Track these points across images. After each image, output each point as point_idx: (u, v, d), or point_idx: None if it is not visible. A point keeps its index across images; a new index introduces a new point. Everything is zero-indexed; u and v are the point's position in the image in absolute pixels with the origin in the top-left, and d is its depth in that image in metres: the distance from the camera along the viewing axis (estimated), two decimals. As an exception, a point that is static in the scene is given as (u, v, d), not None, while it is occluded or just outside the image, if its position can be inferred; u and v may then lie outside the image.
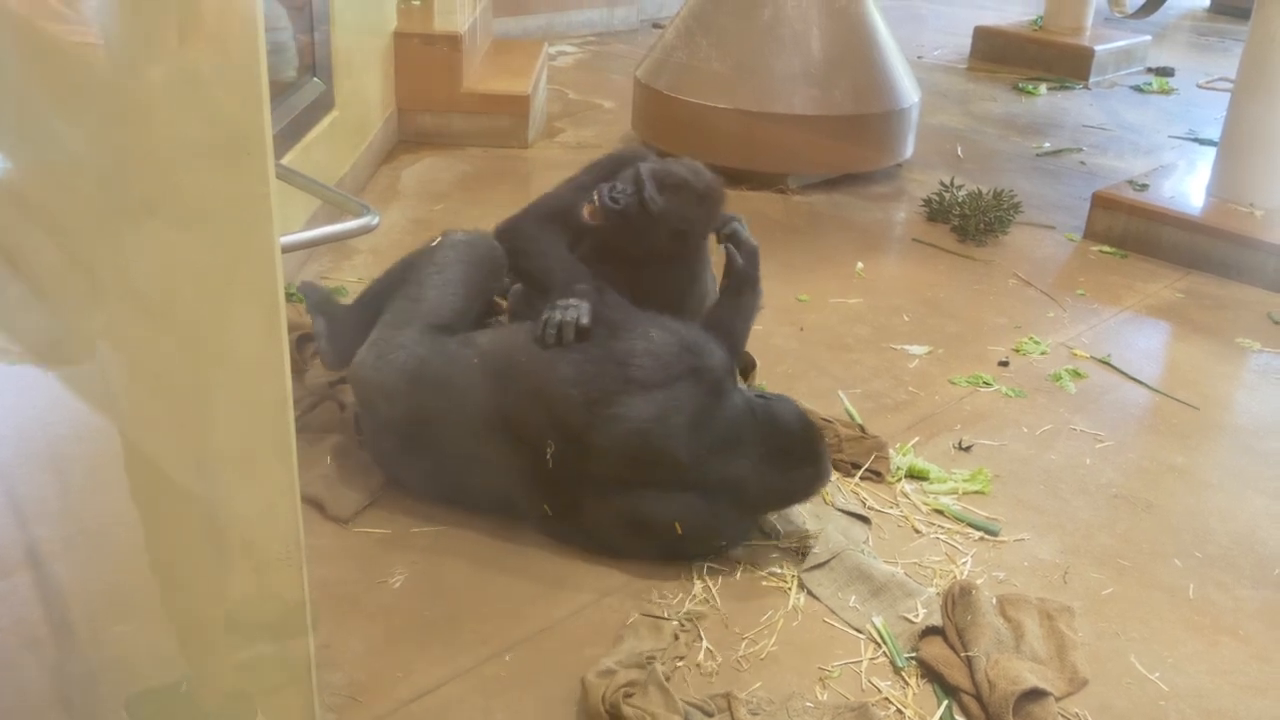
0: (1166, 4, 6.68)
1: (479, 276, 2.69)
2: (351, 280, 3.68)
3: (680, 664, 2.21)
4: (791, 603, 2.39)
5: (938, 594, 2.39)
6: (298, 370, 2.97)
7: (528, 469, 2.47)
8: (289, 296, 3.38)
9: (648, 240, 2.71)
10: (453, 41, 4.94)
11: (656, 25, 7.56)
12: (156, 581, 1.67)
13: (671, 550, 2.46)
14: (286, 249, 1.51)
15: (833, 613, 2.37)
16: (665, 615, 2.32)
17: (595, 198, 2.69)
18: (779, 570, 2.48)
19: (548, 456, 2.42)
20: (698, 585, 2.42)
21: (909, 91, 4.91)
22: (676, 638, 2.27)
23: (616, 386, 2.42)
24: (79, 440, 1.60)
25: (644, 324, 2.53)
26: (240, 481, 1.60)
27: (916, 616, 2.34)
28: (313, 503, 2.56)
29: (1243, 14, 7.75)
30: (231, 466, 1.59)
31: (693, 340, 2.53)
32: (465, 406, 2.50)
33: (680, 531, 2.43)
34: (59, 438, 1.60)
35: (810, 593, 2.42)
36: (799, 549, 2.53)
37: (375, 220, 1.76)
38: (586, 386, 2.42)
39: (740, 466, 2.45)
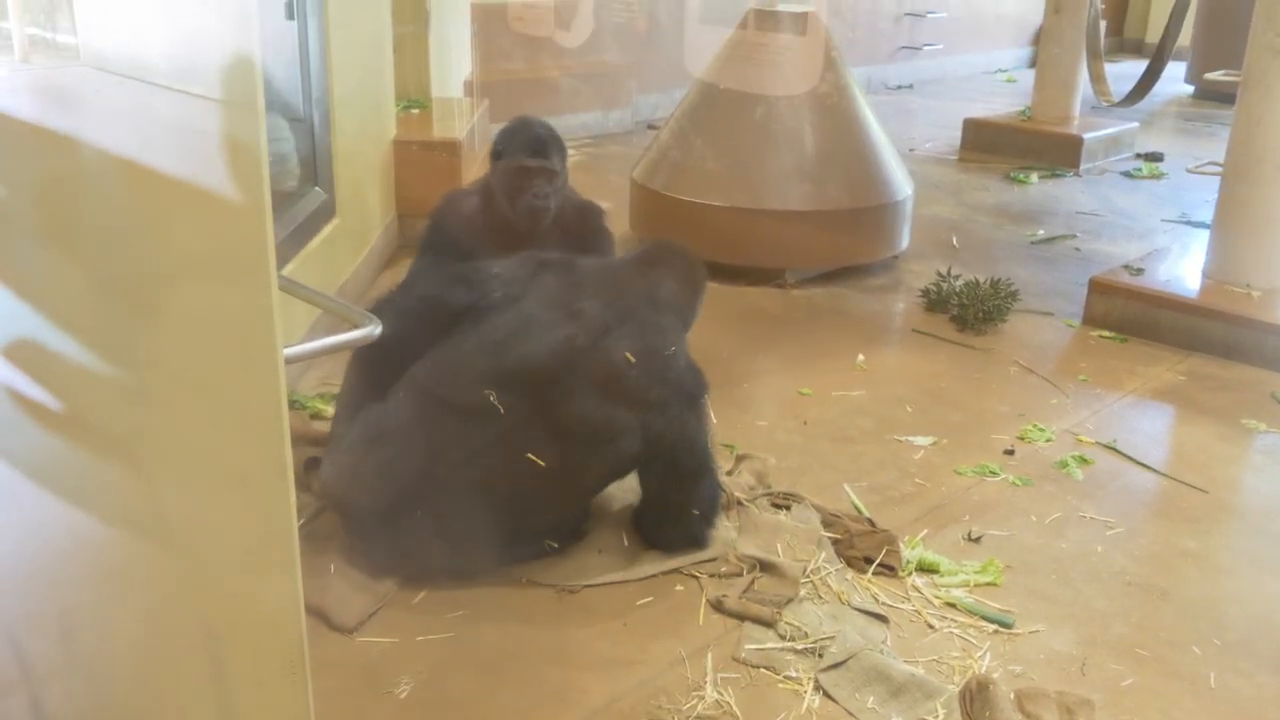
0: (1152, 91, 6.79)
1: None
2: (354, 386, 3.68)
3: (694, 771, 2.16)
4: (806, 705, 2.35)
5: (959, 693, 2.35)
6: (301, 484, 2.95)
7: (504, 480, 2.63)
8: (291, 404, 3.39)
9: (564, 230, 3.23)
10: (451, 148, 5.02)
11: (651, 126, 7.69)
12: (157, 696, 1.65)
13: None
14: (290, 360, 1.51)
15: (851, 715, 2.32)
16: (677, 720, 2.27)
17: (526, 207, 3.13)
18: (794, 673, 2.43)
19: (493, 400, 2.58)
20: (710, 689, 2.38)
21: (902, 184, 4.98)
22: (689, 743, 2.22)
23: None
24: (80, 554, 1.59)
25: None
26: (243, 592, 1.59)
27: (937, 718, 2.29)
28: (316, 612, 2.53)
29: (1227, 99, 7.88)
30: (234, 577, 1.58)
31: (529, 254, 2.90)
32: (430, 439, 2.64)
33: (632, 360, 2.63)
34: (60, 553, 1.59)
35: (827, 694, 2.37)
36: (816, 650, 2.49)
37: (377, 330, 1.77)
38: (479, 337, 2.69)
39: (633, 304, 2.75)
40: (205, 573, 1.57)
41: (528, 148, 3.15)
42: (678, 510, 2.79)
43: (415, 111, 5.54)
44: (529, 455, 2.59)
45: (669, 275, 2.92)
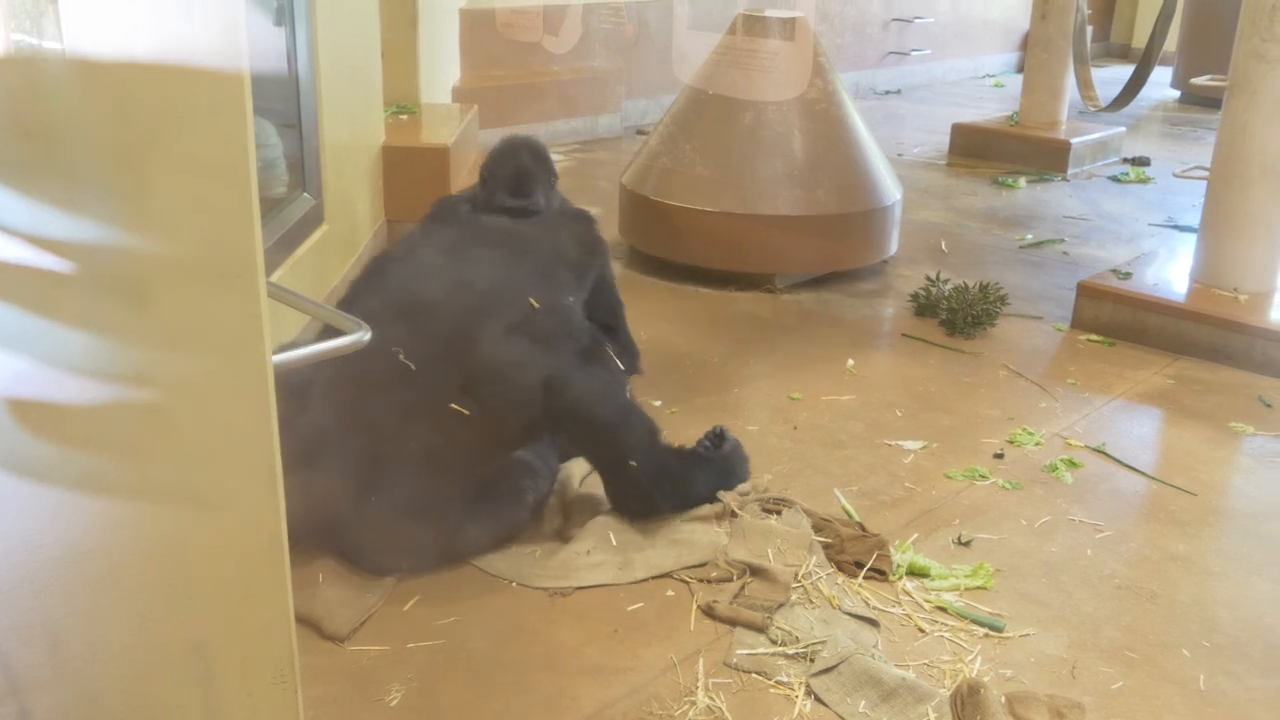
0: (1139, 96, 6.81)
1: None
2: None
3: (686, 777, 2.16)
4: (798, 709, 2.35)
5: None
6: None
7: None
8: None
9: None
10: (440, 154, 5.02)
11: (640, 132, 7.70)
12: (147, 706, 1.64)
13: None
14: (279, 368, 1.51)
15: (842, 719, 2.32)
16: (669, 726, 2.27)
17: None
18: (785, 678, 2.43)
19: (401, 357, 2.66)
20: (701, 694, 2.37)
21: (891, 189, 4.99)
22: (681, 749, 2.22)
23: None
24: (68, 563, 1.58)
25: None
26: (233, 601, 1.58)
27: None
28: (308, 621, 2.52)
29: (1213, 104, 7.92)
30: (224, 586, 1.57)
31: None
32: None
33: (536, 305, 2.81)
34: (48, 561, 1.58)
35: (819, 699, 2.37)
36: (807, 654, 2.49)
37: (367, 336, 1.77)
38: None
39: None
40: (195, 582, 1.56)
41: (508, 187, 3.18)
42: (617, 467, 2.83)
43: (404, 117, 5.54)
44: (453, 405, 2.67)
45: (569, 238, 3.09)
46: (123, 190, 1.40)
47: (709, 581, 2.73)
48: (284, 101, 4.02)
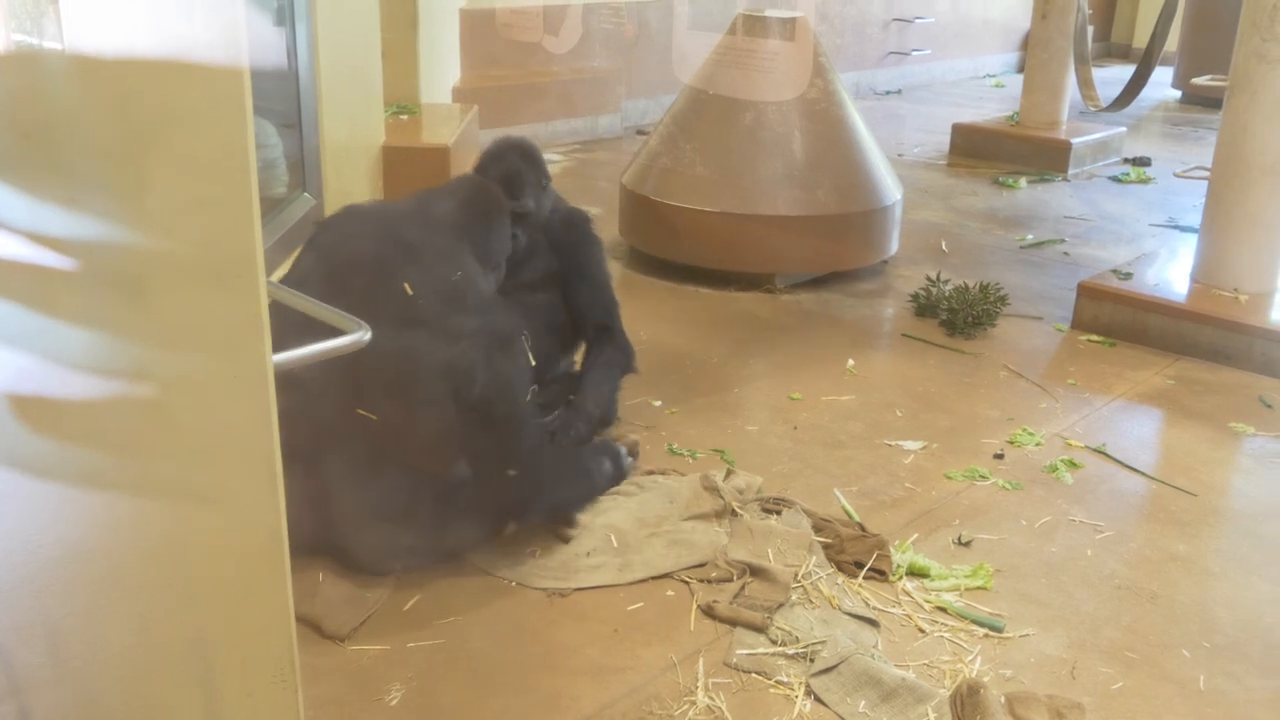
0: (1139, 96, 6.81)
1: None
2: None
3: (686, 777, 2.16)
4: (798, 709, 2.35)
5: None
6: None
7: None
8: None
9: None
10: (440, 154, 5.02)
11: (640, 132, 7.70)
12: (147, 706, 1.64)
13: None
14: (279, 368, 1.51)
15: (842, 719, 2.32)
16: (669, 726, 2.27)
17: None
18: (785, 678, 2.43)
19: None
20: (701, 694, 2.37)
21: (891, 189, 4.99)
22: (681, 749, 2.22)
23: None
24: (69, 563, 1.58)
25: None
26: (233, 601, 1.58)
27: None
28: (308, 621, 2.52)
29: (1214, 104, 7.92)
30: (224, 586, 1.57)
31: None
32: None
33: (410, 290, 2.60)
34: (49, 560, 1.58)
35: (819, 699, 2.37)
36: (807, 654, 2.49)
37: (367, 336, 1.77)
38: None
39: None
40: (195, 582, 1.56)
41: (500, 187, 3.20)
42: (492, 465, 2.65)
43: (404, 117, 5.54)
44: (359, 410, 2.54)
45: (455, 206, 2.95)
46: (123, 189, 1.41)
47: (709, 581, 2.73)
48: (284, 101, 4.02)
